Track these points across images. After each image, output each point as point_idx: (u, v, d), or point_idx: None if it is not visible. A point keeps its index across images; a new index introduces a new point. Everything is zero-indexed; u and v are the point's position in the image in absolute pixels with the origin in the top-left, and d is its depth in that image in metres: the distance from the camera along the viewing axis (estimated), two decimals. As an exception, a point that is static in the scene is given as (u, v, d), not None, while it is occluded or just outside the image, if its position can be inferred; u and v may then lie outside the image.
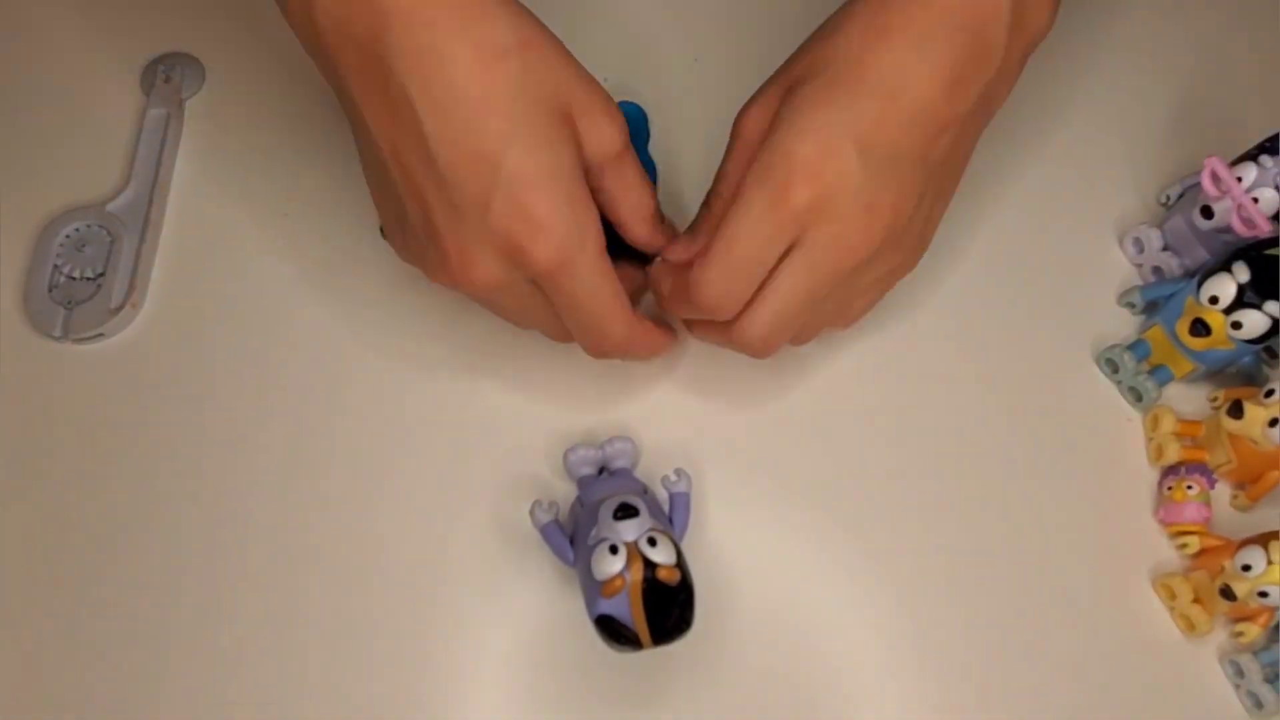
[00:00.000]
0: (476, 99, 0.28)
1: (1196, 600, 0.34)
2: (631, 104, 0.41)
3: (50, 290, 0.38)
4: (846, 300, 0.33)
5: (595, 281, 0.30)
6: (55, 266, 0.38)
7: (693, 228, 0.34)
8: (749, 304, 0.31)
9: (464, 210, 0.29)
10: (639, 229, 0.33)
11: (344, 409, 0.37)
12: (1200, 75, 0.44)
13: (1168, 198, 0.40)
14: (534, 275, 0.30)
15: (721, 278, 0.31)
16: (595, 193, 0.31)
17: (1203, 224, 0.37)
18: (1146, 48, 0.44)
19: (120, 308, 0.38)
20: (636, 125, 0.41)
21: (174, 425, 0.37)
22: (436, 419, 0.37)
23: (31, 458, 0.36)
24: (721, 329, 0.33)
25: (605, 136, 0.31)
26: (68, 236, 0.39)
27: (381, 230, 0.36)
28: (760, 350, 0.32)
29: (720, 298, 0.31)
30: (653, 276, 0.35)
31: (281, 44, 0.43)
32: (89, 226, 0.39)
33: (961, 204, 0.40)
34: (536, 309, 0.32)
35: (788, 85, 0.31)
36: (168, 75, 0.42)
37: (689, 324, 0.35)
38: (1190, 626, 0.34)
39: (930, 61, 0.29)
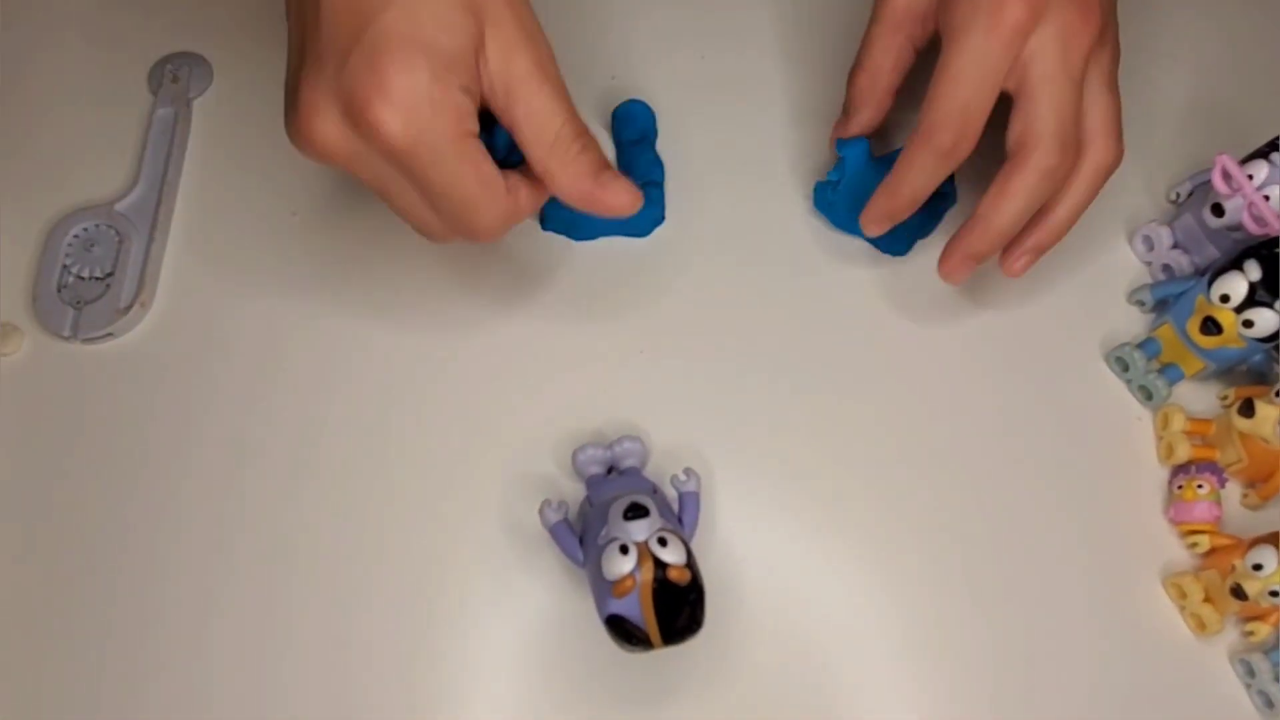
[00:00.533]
0: None
1: (1207, 599, 0.34)
2: (639, 102, 0.41)
3: (59, 290, 0.38)
4: (1106, 86, 0.33)
5: (451, 167, 0.28)
6: (64, 266, 0.38)
7: (847, 109, 0.35)
8: (999, 196, 0.32)
9: (325, 61, 0.27)
10: (539, 152, 0.30)
11: (352, 408, 0.37)
12: (1211, 72, 0.43)
13: (1178, 195, 0.40)
14: (380, 150, 0.28)
15: (954, 114, 0.31)
16: (506, 124, 0.29)
17: (1213, 222, 0.37)
18: (1156, 44, 0.44)
19: (129, 307, 0.38)
20: (644, 123, 0.41)
21: (183, 424, 0.37)
22: (445, 419, 0.37)
23: (41, 457, 0.36)
24: (978, 226, 0.33)
25: (516, 58, 0.29)
26: (76, 236, 0.39)
27: None
28: (1057, 168, 0.32)
29: (958, 135, 0.31)
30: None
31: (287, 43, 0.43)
32: (98, 226, 0.39)
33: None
34: (398, 192, 0.30)
35: None
36: (175, 75, 0.42)
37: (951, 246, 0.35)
38: (1201, 626, 0.34)
39: None
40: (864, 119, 0.36)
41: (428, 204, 0.30)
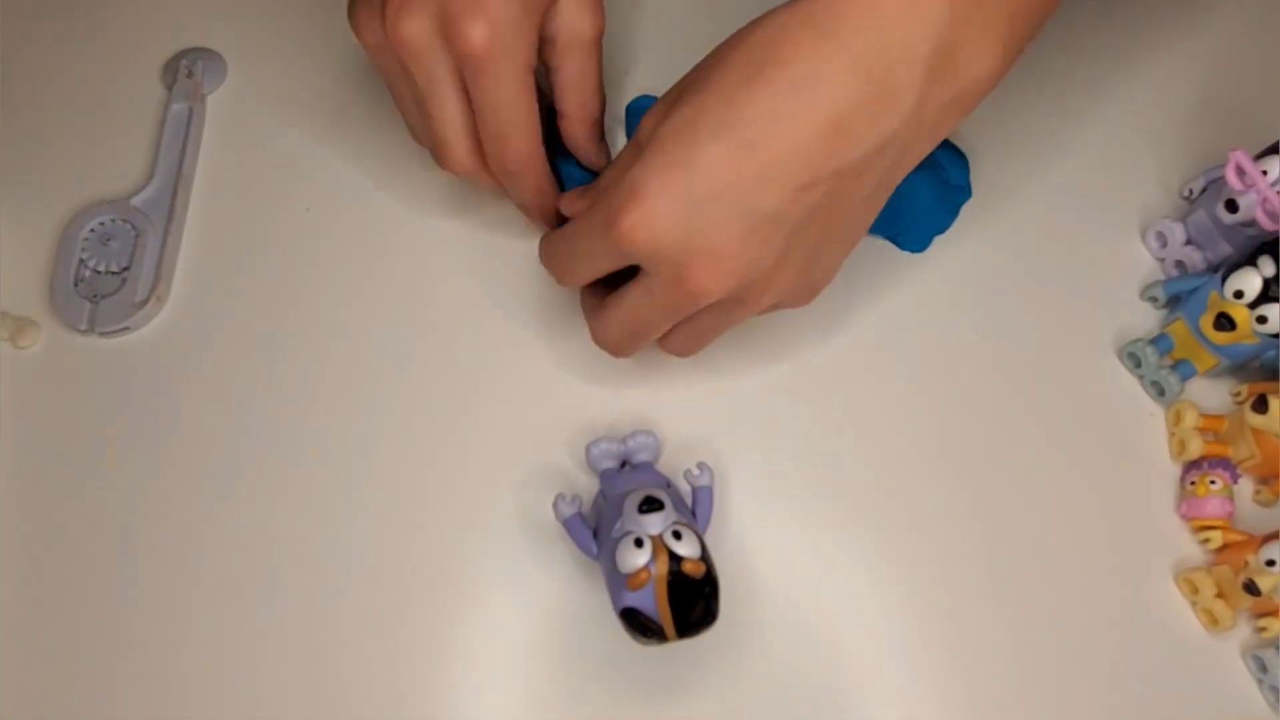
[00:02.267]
0: None
1: (1219, 595, 0.34)
2: (653, 98, 0.41)
3: (76, 284, 0.38)
4: (710, 330, 0.32)
5: (514, 88, 0.31)
6: (80, 260, 0.39)
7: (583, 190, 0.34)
8: (602, 307, 0.32)
9: None
10: (578, 127, 0.34)
11: (367, 403, 0.37)
12: (1225, 67, 0.43)
13: (1191, 191, 0.40)
14: (458, 55, 0.30)
15: (559, 259, 0.32)
16: (550, 71, 0.33)
17: (1227, 218, 0.37)
18: (1170, 39, 0.44)
19: (145, 301, 0.38)
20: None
21: (200, 418, 0.37)
22: (458, 412, 0.37)
23: (57, 450, 0.37)
24: (588, 317, 0.34)
25: (582, 18, 0.32)
26: (92, 230, 0.39)
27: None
28: (615, 352, 0.33)
29: (559, 274, 0.32)
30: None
31: (303, 38, 0.43)
32: (113, 220, 0.39)
33: (983, 198, 0.40)
34: (442, 101, 0.31)
35: (675, 97, 0.29)
36: (190, 70, 0.42)
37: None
38: (1213, 621, 0.34)
39: (809, 106, 0.26)
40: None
41: (465, 120, 0.32)
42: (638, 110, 0.41)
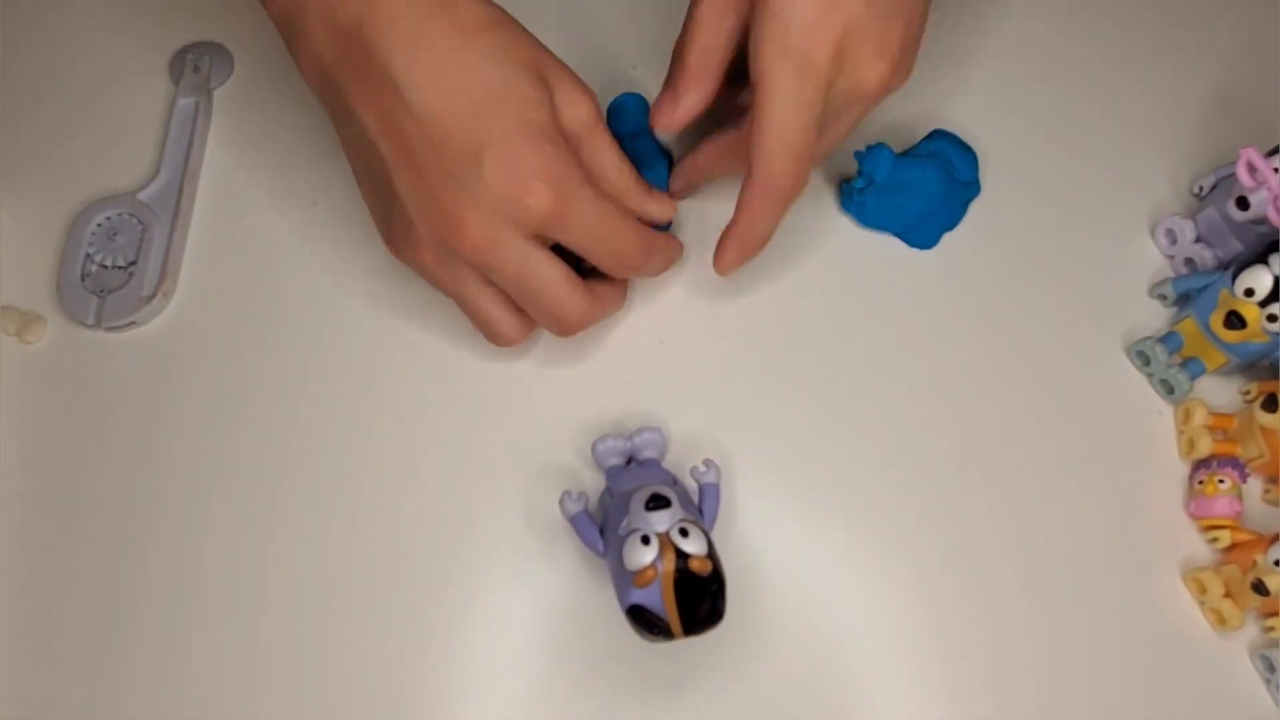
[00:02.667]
0: (459, 66, 0.29)
1: (1227, 595, 0.34)
2: (637, 95, 0.41)
3: (83, 279, 0.38)
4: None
5: (596, 204, 0.31)
6: (88, 255, 0.39)
7: (672, 81, 0.34)
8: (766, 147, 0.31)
9: (458, 171, 0.30)
10: (623, 202, 0.34)
11: (373, 399, 0.37)
12: (1235, 64, 0.43)
13: (1201, 188, 0.40)
14: (537, 221, 0.30)
15: (793, 169, 0.31)
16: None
17: (1237, 215, 0.36)
18: (1181, 36, 0.44)
19: (152, 296, 0.38)
20: (643, 115, 0.40)
21: (207, 413, 0.37)
22: (465, 409, 0.37)
23: (64, 445, 0.37)
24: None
25: (580, 108, 0.32)
26: (99, 225, 0.39)
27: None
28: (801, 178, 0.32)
29: (795, 183, 0.32)
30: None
31: (309, 33, 0.43)
32: (120, 215, 0.39)
33: (992, 195, 0.40)
34: (531, 274, 0.31)
35: None
36: (196, 64, 0.42)
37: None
38: (1221, 621, 0.34)
39: None
40: (693, 102, 0.34)
41: (584, 254, 0.32)
42: (617, 108, 0.40)
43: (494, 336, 0.34)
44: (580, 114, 0.32)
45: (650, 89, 0.41)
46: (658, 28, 0.43)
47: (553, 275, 0.32)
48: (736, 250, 0.34)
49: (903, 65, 0.31)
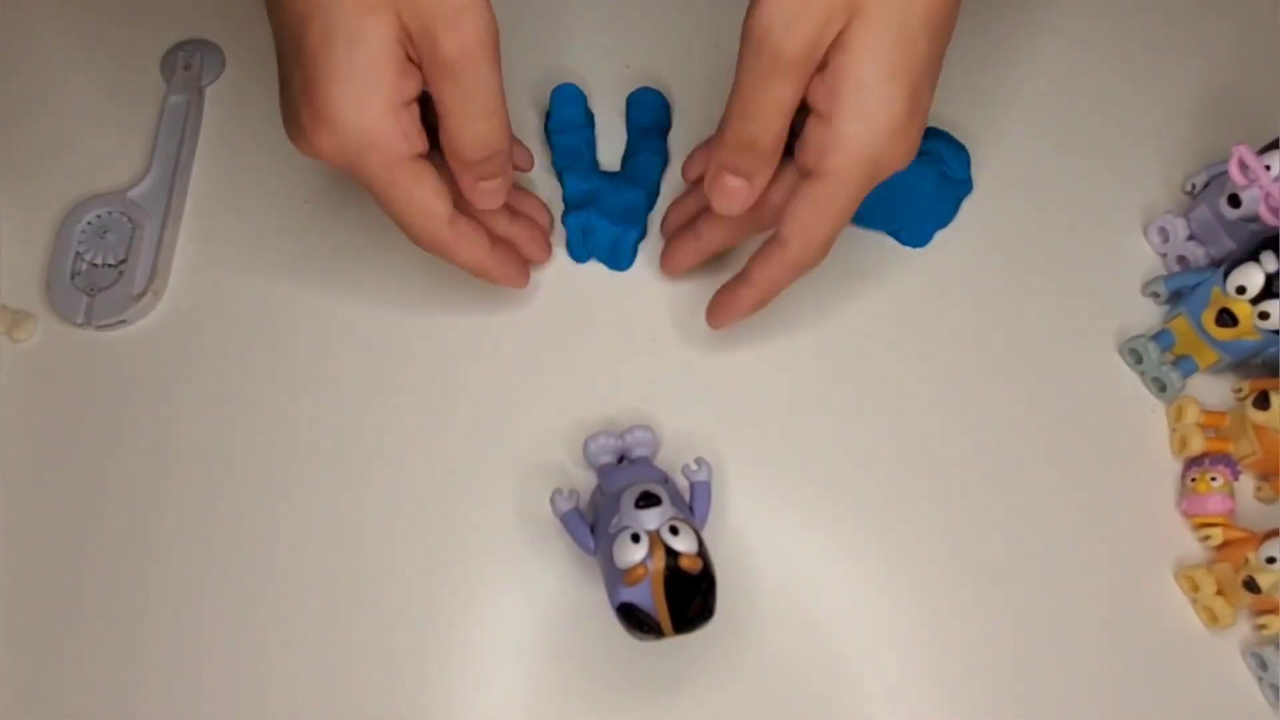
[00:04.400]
0: None
1: (1219, 592, 0.34)
2: (654, 91, 0.41)
3: (73, 277, 0.38)
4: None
5: (391, 179, 0.30)
6: (77, 253, 0.39)
7: (723, 160, 0.32)
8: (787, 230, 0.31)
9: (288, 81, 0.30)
10: (453, 164, 0.32)
11: (363, 397, 0.37)
12: (1228, 62, 0.43)
13: (1193, 186, 0.40)
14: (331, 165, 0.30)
15: (822, 239, 0.31)
16: (435, 103, 0.30)
17: (1229, 213, 0.36)
18: (1172, 33, 0.44)
19: (142, 294, 0.38)
20: (658, 114, 0.41)
21: (197, 411, 0.37)
22: (457, 408, 0.37)
23: (54, 443, 0.36)
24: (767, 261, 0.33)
25: (444, 36, 0.28)
26: (89, 223, 0.39)
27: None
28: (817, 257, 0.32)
29: (815, 263, 0.32)
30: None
31: (301, 30, 0.43)
32: (110, 213, 0.39)
33: (984, 193, 0.40)
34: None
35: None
36: (188, 62, 0.42)
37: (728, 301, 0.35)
38: (1213, 619, 0.34)
39: None
40: (753, 190, 0.32)
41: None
42: (639, 102, 0.41)
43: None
44: (445, 46, 0.28)
45: (647, 83, 0.41)
46: (650, 26, 0.43)
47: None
48: (742, 312, 0.34)
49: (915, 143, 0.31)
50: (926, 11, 0.29)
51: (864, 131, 0.29)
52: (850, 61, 0.29)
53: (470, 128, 0.30)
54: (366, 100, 0.29)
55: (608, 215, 0.38)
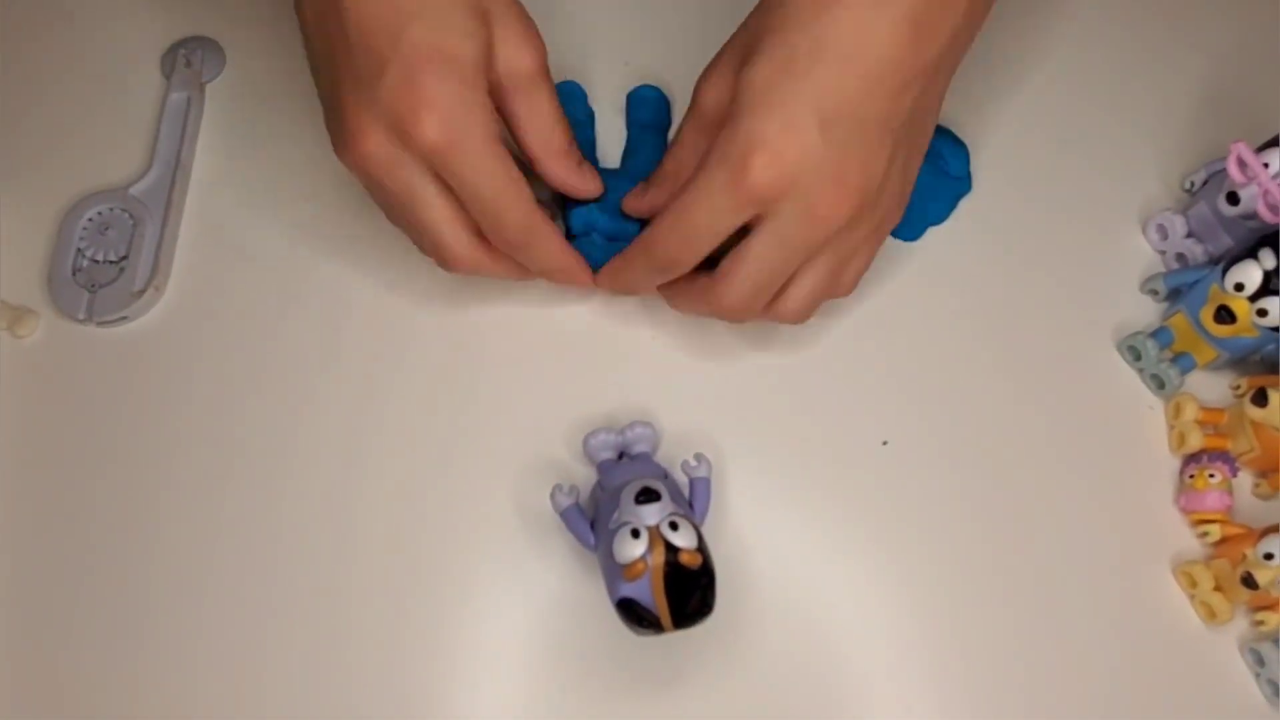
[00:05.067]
0: None
1: (1217, 588, 0.34)
2: (654, 88, 0.41)
3: (74, 273, 0.38)
4: (837, 269, 0.33)
5: (487, 164, 0.30)
6: (79, 250, 0.39)
7: (646, 185, 0.35)
8: (723, 271, 0.32)
9: (363, 79, 0.30)
10: (550, 164, 0.33)
11: (365, 392, 0.37)
12: (1227, 59, 0.43)
13: (1192, 184, 0.40)
14: (421, 154, 0.30)
15: (675, 241, 0.31)
16: (505, 117, 0.32)
17: (1228, 210, 0.36)
18: (1171, 31, 0.44)
19: (143, 291, 0.38)
20: (659, 111, 0.41)
21: (199, 408, 0.37)
22: (457, 403, 0.37)
23: (56, 440, 0.37)
24: (697, 297, 0.33)
25: (522, 56, 0.31)
26: (90, 220, 0.39)
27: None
28: (737, 315, 0.33)
29: (676, 260, 0.32)
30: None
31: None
32: (111, 210, 0.39)
33: (983, 190, 0.40)
34: (427, 203, 0.31)
35: (743, 54, 0.30)
36: (188, 59, 0.42)
37: (669, 297, 0.36)
38: (1211, 614, 0.34)
39: (889, 14, 0.28)
40: (658, 200, 0.34)
41: (455, 214, 0.32)
42: (639, 99, 0.41)
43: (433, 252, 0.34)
44: (521, 62, 0.31)
45: (648, 79, 0.41)
46: (649, 20, 0.43)
47: (439, 215, 0.31)
48: (604, 282, 0.35)
49: (866, 200, 0.30)
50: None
51: (726, 146, 0.30)
52: None
53: (563, 118, 0.33)
54: (475, 78, 0.30)
55: (610, 214, 0.38)
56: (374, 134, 0.30)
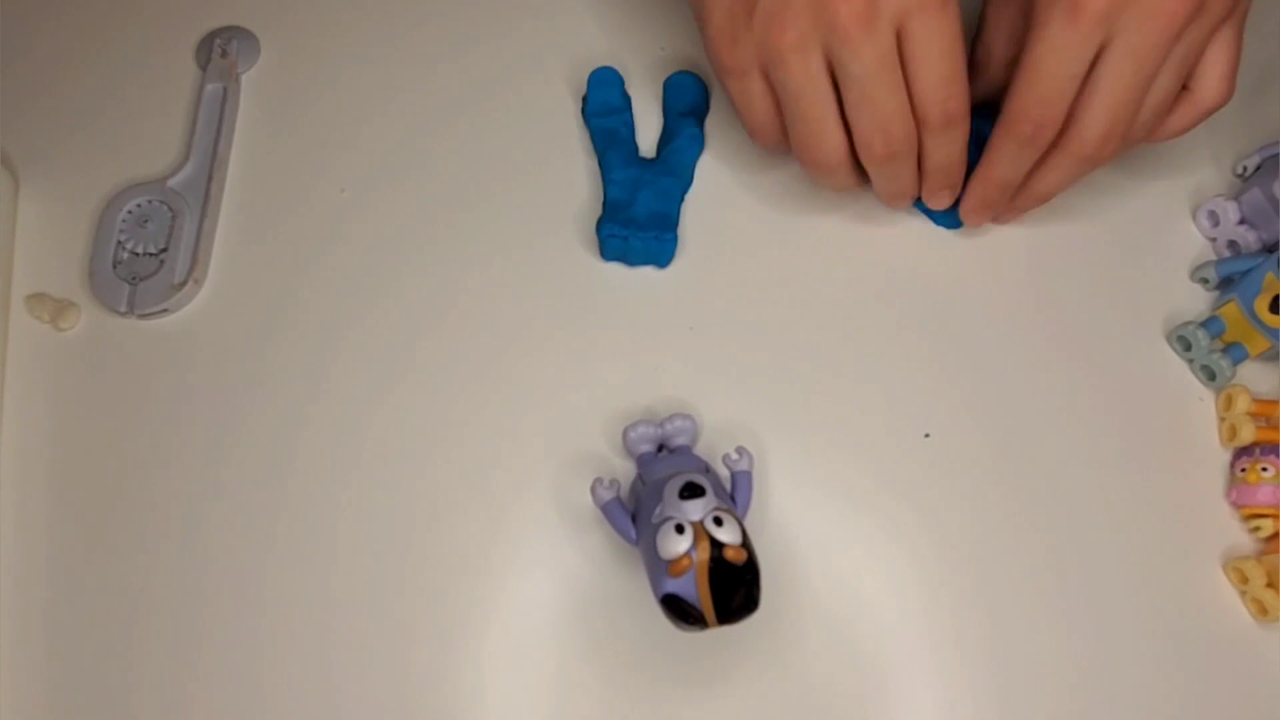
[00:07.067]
0: None
1: (1269, 585, 0.34)
2: (691, 75, 0.40)
3: (115, 266, 0.38)
4: (1190, 62, 0.32)
5: (888, 61, 0.31)
6: (119, 243, 0.39)
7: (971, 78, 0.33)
8: (1077, 113, 0.31)
9: None
10: (939, 89, 0.32)
11: (404, 386, 0.37)
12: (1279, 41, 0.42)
13: (1245, 169, 0.39)
14: (834, 32, 0.30)
15: (1036, 104, 0.31)
16: (901, 39, 0.31)
17: (1284, 196, 0.36)
18: (1224, 11, 0.42)
19: (183, 283, 0.38)
20: (696, 98, 0.40)
21: (239, 399, 0.37)
22: (496, 397, 0.37)
23: (98, 432, 0.37)
24: (1055, 161, 0.33)
25: None
26: (130, 213, 0.39)
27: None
28: (1102, 152, 0.32)
29: (1041, 123, 0.31)
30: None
31: (336, 15, 0.43)
32: (150, 202, 0.39)
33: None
34: (806, 94, 0.32)
35: None
36: (223, 49, 0.42)
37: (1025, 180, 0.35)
38: (1262, 611, 0.34)
39: None
40: (980, 87, 0.35)
41: (838, 117, 0.32)
42: (676, 85, 0.40)
43: (752, 131, 0.35)
44: None
45: (683, 67, 0.40)
46: (686, 7, 0.42)
47: (823, 111, 0.32)
48: (978, 194, 0.35)
49: None
50: None
51: None
52: None
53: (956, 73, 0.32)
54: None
55: (640, 226, 0.37)
56: (795, 20, 0.30)
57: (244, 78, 0.42)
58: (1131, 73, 0.30)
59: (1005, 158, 0.34)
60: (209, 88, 0.41)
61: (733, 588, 0.29)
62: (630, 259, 0.38)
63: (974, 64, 0.34)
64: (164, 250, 0.38)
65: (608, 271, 0.38)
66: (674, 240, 0.38)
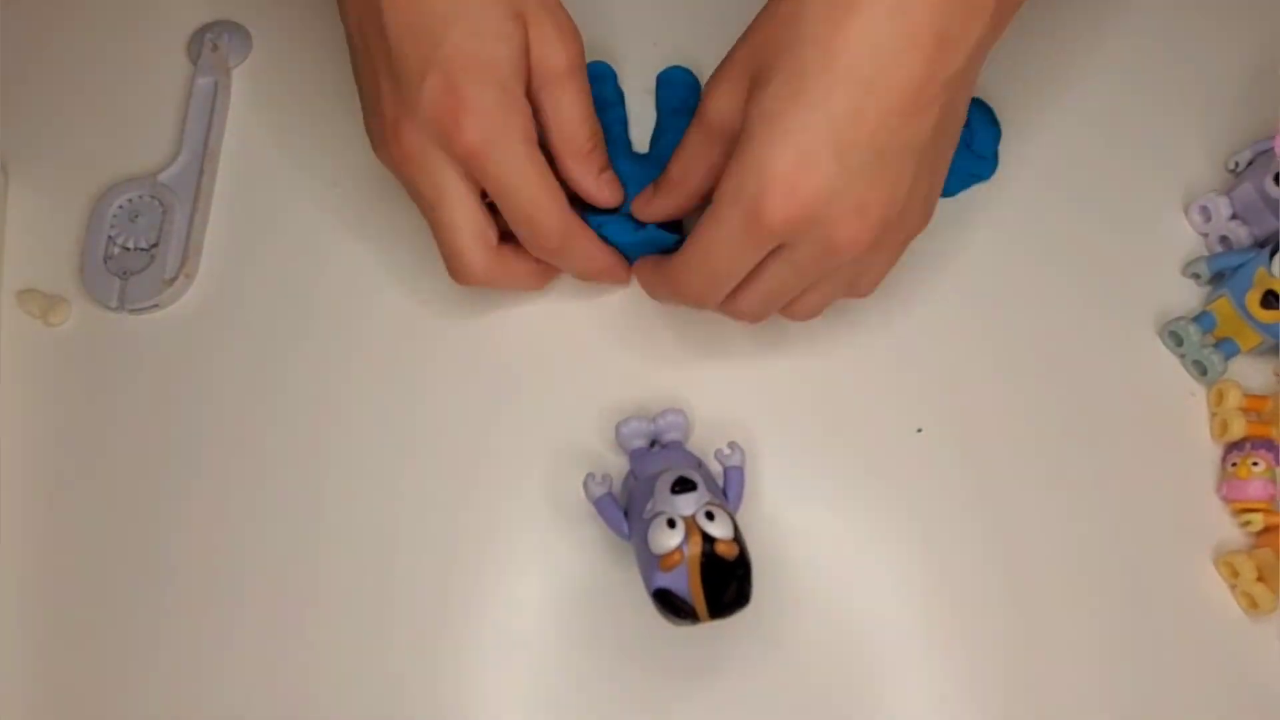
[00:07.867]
0: None
1: (1260, 578, 0.34)
2: (684, 69, 0.40)
3: (105, 261, 0.38)
4: (854, 278, 0.32)
5: (524, 168, 0.31)
6: (110, 238, 0.39)
7: (655, 188, 0.34)
8: (736, 291, 0.31)
9: (403, 82, 0.30)
10: (568, 162, 0.33)
11: (396, 381, 0.37)
12: (1273, 35, 0.42)
13: (1237, 164, 0.39)
14: (459, 157, 0.30)
15: (698, 283, 0.31)
16: (536, 115, 0.32)
17: (1275, 191, 0.36)
18: (1215, 8, 0.42)
19: (174, 278, 0.38)
20: (689, 92, 0.40)
21: (230, 395, 0.37)
22: (488, 392, 0.37)
23: (88, 427, 0.37)
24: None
25: (554, 51, 0.31)
26: (121, 207, 0.39)
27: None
28: (748, 320, 0.33)
29: (700, 298, 0.32)
30: (635, 266, 0.36)
31: (328, 10, 0.43)
32: (141, 197, 0.39)
33: (1019, 172, 0.39)
34: (446, 200, 0.32)
35: (753, 67, 0.29)
36: (215, 44, 0.42)
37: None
38: (1253, 605, 0.34)
39: (910, 28, 0.26)
40: (667, 206, 0.34)
41: (477, 220, 0.32)
42: (669, 81, 0.40)
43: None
44: (555, 59, 0.31)
45: (677, 60, 0.40)
46: (681, 4, 0.42)
47: (458, 220, 0.32)
48: (644, 285, 0.35)
49: (888, 226, 0.29)
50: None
51: (740, 179, 0.29)
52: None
53: (591, 119, 0.33)
54: (512, 82, 0.31)
55: (634, 221, 0.37)
56: (413, 136, 0.30)
57: (235, 72, 0.42)
58: (794, 279, 0.30)
59: (663, 295, 0.34)
60: (200, 82, 0.41)
61: (724, 582, 0.29)
62: (625, 254, 0.38)
63: (669, 178, 0.33)
64: (155, 245, 0.38)
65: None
66: (667, 236, 0.37)
